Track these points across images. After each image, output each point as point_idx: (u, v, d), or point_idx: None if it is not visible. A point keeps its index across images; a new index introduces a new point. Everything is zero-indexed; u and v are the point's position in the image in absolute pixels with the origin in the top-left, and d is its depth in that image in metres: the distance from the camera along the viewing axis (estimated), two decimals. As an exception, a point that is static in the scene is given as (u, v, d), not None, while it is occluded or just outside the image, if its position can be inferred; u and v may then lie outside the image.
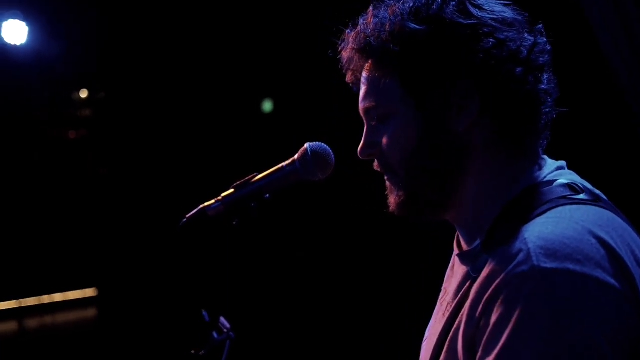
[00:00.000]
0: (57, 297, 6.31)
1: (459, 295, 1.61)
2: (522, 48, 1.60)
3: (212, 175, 3.69)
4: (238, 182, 1.78)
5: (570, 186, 1.59)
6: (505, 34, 1.60)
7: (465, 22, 1.59)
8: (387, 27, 1.63)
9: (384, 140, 1.67)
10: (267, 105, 5.85)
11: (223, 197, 1.77)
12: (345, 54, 1.72)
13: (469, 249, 1.68)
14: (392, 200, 1.70)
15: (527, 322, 1.39)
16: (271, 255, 5.25)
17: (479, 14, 1.60)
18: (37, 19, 5.13)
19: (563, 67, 1.72)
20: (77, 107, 6.27)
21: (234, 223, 1.77)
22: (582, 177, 1.68)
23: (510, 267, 1.43)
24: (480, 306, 1.47)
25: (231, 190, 1.78)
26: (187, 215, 1.78)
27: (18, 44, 5.10)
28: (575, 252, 1.41)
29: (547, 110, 1.64)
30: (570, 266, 1.40)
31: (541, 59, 1.63)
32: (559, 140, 1.73)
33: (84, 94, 6.21)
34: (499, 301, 1.43)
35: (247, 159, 3.68)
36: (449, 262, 1.86)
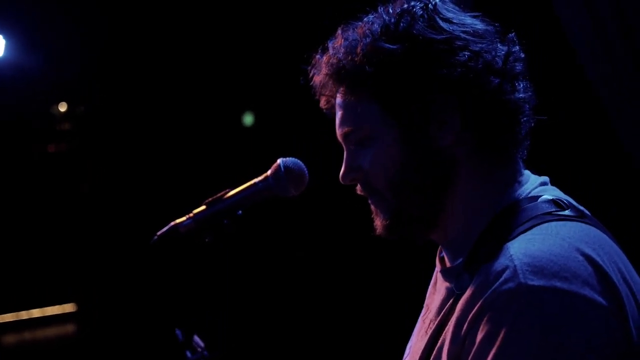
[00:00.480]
0: (35, 312, 6.24)
1: (442, 313, 1.58)
2: (496, 58, 1.59)
3: (195, 187, 3.66)
4: (210, 199, 1.75)
5: (555, 202, 1.57)
6: (479, 45, 1.58)
7: (437, 37, 1.57)
8: (359, 49, 1.60)
9: (367, 163, 1.64)
10: (248, 119, 5.82)
11: (195, 214, 1.75)
12: (318, 80, 1.69)
13: (452, 265, 1.65)
14: (379, 223, 1.68)
15: (515, 340, 1.37)
16: (247, 271, 5.20)
17: (450, 27, 1.58)
18: (14, 31, 5.09)
19: (537, 72, 1.71)
20: (57, 121, 6.22)
21: (206, 240, 1.74)
22: (561, 184, 1.66)
23: (497, 284, 1.41)
24: (466, 324, 1.45)
25: (203, 207, 1.75)
26: (158, 233, 1.75)
27: (-5, 57, 5.05)
28: (563, 269, 1.40)
29: (526, 119, 1.62)
30: (558, 284, 1.38)
31: (517, 67, 1.62)
32: (537, 144, 1.72)
33: (63, 107, 6.16)
34: (485, 319, 1.41)
35: (220, 174, 3.66)
36: (431, 278, 1.83)
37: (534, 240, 1.46)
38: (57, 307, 6.25)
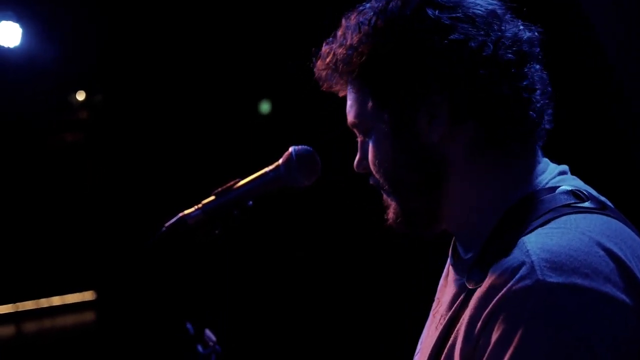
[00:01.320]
0: (55, 300, 6.26)
1: (453, 308, 1.53)
2: (489, 44, 1.50)
3: (209, 178, 3.63)
4: (219, 189, 1.71)
5: (574, 193, 1.50)
6: (471, 31, 1.50)
7: (422, 25, 1.50)
8: (349, 40, 1.57)
9: (368, 155, 1.61)
10: (265, 107, 5.78)
11: (203, 205, 1.71)
12: (322, 72, 1.66)
13: (464, 258, 1.60)
14: (390, 215, 1.64)
15: (532, 341, 1.30)
16: (258, 263, 5.18)
17: (438, 14, 1.50)
18: (31, 20, 5.05)
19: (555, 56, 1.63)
20: (75, 110, 6.21)
21: (216, 232, 1.70)
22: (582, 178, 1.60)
23: (512, 281, 1.35)
24: (480, 322, 1.38)
25: (212, 198, 1.71)
26: (166, 224, 1.71)
27: (12, 46, 5.02)
28: (583, 265, 1.33)
29: (538, 106, 1.54)
30: (578, 281, 1.31)
31: (525, 47, 1.53)
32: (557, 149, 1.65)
33: (81, 96, 6.14)
34: (500, 318, 1.34)
35: (231, 163, 3.62)
36: (442, 269, 1.79)
37: (552, 234, 1.39)
38: (76, 294, 6.28)
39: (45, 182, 5.91)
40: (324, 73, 1.65)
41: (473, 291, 1.45)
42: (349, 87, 1.63)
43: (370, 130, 1.60)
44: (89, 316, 6.34)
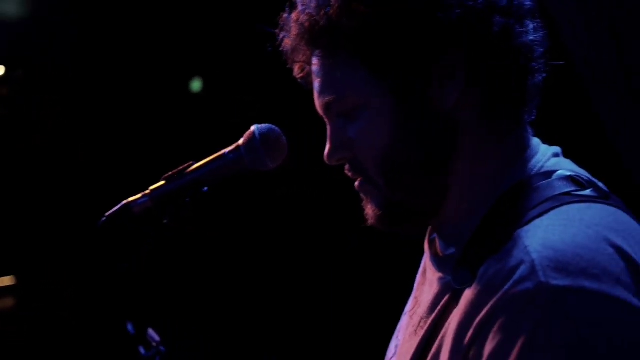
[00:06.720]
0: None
1: (437, 310, 1.35)
2: None
3: (147, 164, 3.42)
4: (170, 173, 1.52)
5: (573, 179, 1.33)
6: None
7: None
8: (328, 2, 1.33)
9: (353, 139, 1.39)
10: (196, 85, 5.54)
11: (151, 191, 1.51)
12: (288, 43, 1.42)
13: (448, 252, 1.41)
14: (370, 212, 1.42)
15: (534, 355, 1.14)
16: (211, 256, 4.97)
17: None
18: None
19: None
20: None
21: (165, 221, 1.51)
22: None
23: (510, 283, 1.18)
24: (471, 330, 1.21)
25: (161, 183, 1.52)
26: (107, 213, 1.51)
27: None
28: (591, 265, 1.17)
29: (538, 66, 1.38)
30: (586, 283, 1.15)
31: (527, 3, 1.37)
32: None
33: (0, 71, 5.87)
34: (496, 327, 1.18)
35: (184, 147, 3.43)
36: (418, 264, 1.61)
37: (553, 228, 1.22)
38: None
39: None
40: (289, 44, 1.42)
41: (460, 292, 1.28)
42: (321, 60, 1.39)
43: (356, 107, 1.37)
44: (8, 302, 6.12)
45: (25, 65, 5.60)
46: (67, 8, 5.08)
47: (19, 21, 5.07)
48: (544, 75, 1.40)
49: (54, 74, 5.31)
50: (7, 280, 5.97)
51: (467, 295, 1.25)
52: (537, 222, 1.25)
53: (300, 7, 1.39)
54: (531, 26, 1.37)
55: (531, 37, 1.36)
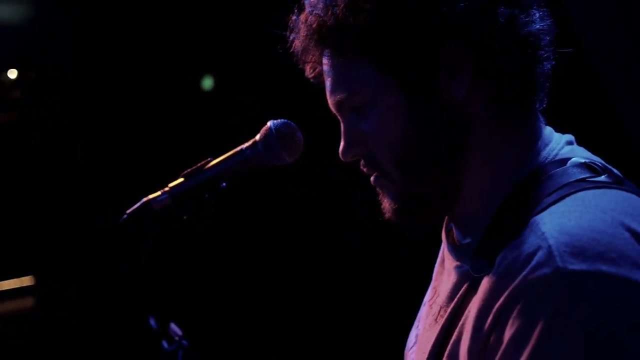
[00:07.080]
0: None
1: (456, 299, 1.36)
2: None
3: (162, 162, 3.42)
4: (189, 170, 1.53)
5: (587, 165, 1.34)
6: None
7: None
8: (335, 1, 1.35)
9: (367, 135, 1.40)
10: (207, 82, 5.55)
11: (171, 188, 1.53)
12: (298, 44, 1.44)
13: (465, 241, 1.43)
14: (387, 205, 1.44)
15: (554, 338, 1.14)
16: (231, 252, 4.97)
17: None
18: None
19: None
20: (7, 89, 5.97)
21: (184, 218, 1.53)
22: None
23: (527, 269, 1.19)
24: (490, 317, 1.22)
25: (180, 180, 1.53)
26: (128, 210, 1.52)
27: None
28: (608, 249, 1.17)
29: (546, 55, 1.39)
30: (604, 267, 1.15)
31: None
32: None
33: (13, 74, 5.89)
34: (515, 312, 1.18)
35: (184, 147, 3.43)
36: (436, 254, 1.62)
37: (570, 214, 1.23)
38: (14, 280, 6.07)
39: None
40: (299, 45, 1.44)
41: (479, 280, 1.29)
42: (330, 59, 1.41)
43: (368, 104, 1.39)
44: (28, 302, 6.15)
45: (25, 65, 5.63)
46: (67, 8, 5.09)
47: (18, 22, 5.09)
48: (553, 62, 1.41)
49: (53, 74, 5.32)
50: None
51: (486, 283, 1.26)
52: (553, 208, 1.26)
53: (308, 9, 1.41)
54: (537, 15, 1.38)
55: (537, 26, 1.37)
